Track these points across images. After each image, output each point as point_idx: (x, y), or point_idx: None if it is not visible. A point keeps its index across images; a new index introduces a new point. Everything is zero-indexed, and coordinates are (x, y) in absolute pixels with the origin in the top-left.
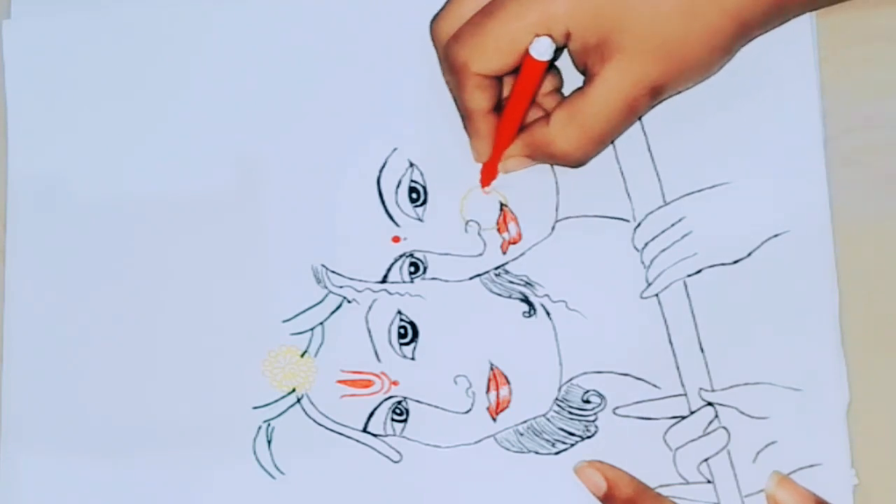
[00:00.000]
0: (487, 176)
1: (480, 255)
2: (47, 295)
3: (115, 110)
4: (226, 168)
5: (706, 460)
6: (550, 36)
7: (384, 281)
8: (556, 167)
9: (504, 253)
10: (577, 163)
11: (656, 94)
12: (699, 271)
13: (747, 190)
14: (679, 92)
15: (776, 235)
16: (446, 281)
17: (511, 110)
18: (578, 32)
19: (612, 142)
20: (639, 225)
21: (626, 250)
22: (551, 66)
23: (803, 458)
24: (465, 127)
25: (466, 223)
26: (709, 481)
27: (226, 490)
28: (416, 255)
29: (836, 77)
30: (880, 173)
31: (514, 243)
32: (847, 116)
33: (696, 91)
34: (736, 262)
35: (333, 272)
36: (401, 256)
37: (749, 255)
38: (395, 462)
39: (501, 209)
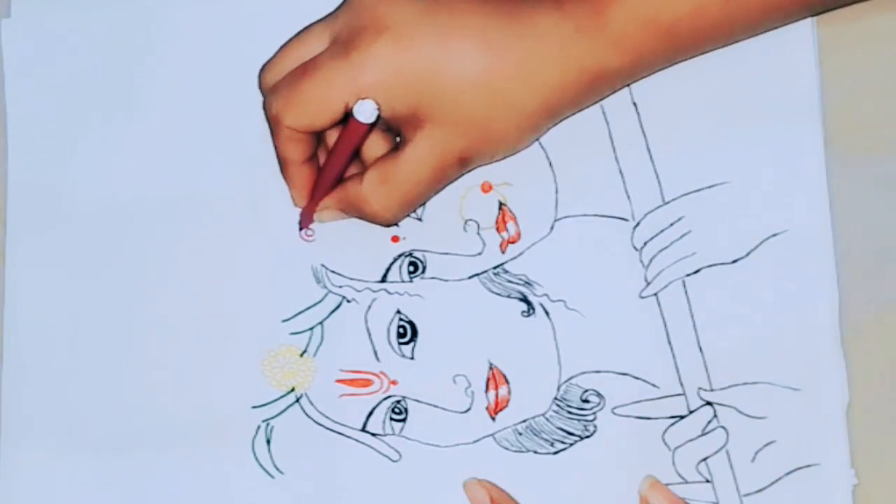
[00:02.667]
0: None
1: (479, 254)
2: (47, 295)
3: (115, 110)
4: (226, 168)
5: (705, 460)
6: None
7: (383, 280)
8: (554, 166)
9: (503, 252)
10: (387, 223)
11: (464, 164)
12: (698, 271)
13: (746, 189)
14: (490, 162)
15: (775, 235)
16: (445, 280)
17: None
18: (389, 103)
19: (423, 204)
20: (638, 224)
21: (625, 249)
22: (389, 129)
23: (802, 458)
24: (281, 173)
25: (465, 222)
26: (707, 481)
27: (225, 489)
28: (416, 254)
29: (836, 77)
30: (880, 173)
31: (513, 242)
32: (847, 116)
33: (696, 90)
34: (735, 261)
35: (333, 272)
36: (400, 256)
37: (748, 254)
38: (394, 461)
39: (500, 208)
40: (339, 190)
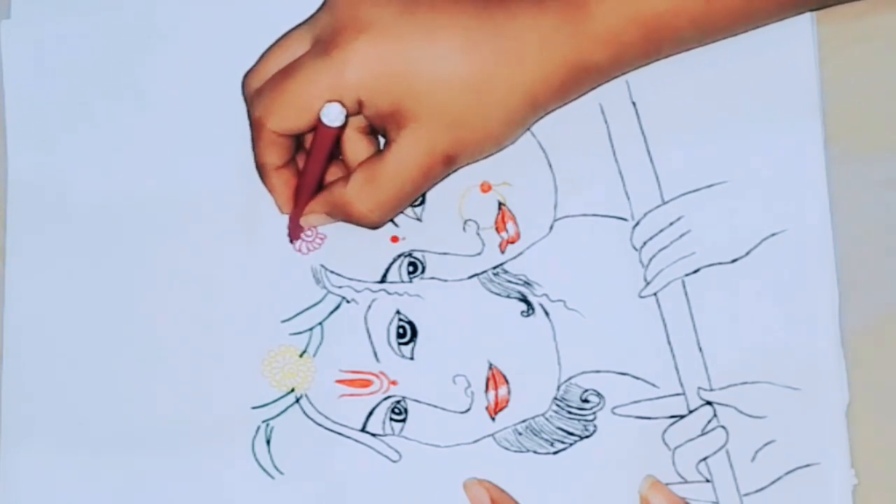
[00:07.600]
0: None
1: (479, 254)
2: (47, 295)
3: (114, 110)
4: (226, 168)
5: (705, 459)
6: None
7: (383, 281)
8: (553, 166)
9: (502, 252)
10: (374, 225)
11: (450, 162)
12: (697, 270)
13: (746, 189)
14: (478, 160)
15: (775, 235)
16: (445, 280)
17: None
18: (371, 101)
19: (409, 205)
20: (637, 224)
21: (625, 249)
22: (373, 132)
23: (802, 458)
24: (261, 180)
25: (465, 222)
26: (707, 480)
27: (225, 490)
28: (415, 254)
29: (836, 77)
30: (880, 173)
31: (513, 242)
32: (847, 116)
33: (695, 90)
34: (734, 261)
35: (332, 272)
36: (399, 256)
37: (747, 254)
38: (394, 462)
39: (500, 208)
40: (324, 194)
